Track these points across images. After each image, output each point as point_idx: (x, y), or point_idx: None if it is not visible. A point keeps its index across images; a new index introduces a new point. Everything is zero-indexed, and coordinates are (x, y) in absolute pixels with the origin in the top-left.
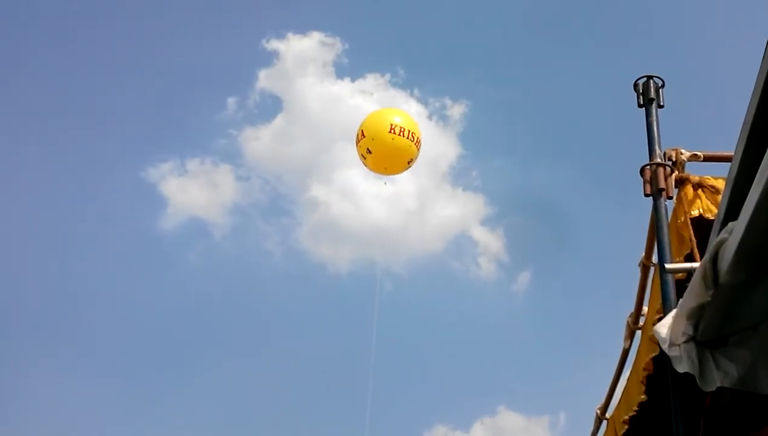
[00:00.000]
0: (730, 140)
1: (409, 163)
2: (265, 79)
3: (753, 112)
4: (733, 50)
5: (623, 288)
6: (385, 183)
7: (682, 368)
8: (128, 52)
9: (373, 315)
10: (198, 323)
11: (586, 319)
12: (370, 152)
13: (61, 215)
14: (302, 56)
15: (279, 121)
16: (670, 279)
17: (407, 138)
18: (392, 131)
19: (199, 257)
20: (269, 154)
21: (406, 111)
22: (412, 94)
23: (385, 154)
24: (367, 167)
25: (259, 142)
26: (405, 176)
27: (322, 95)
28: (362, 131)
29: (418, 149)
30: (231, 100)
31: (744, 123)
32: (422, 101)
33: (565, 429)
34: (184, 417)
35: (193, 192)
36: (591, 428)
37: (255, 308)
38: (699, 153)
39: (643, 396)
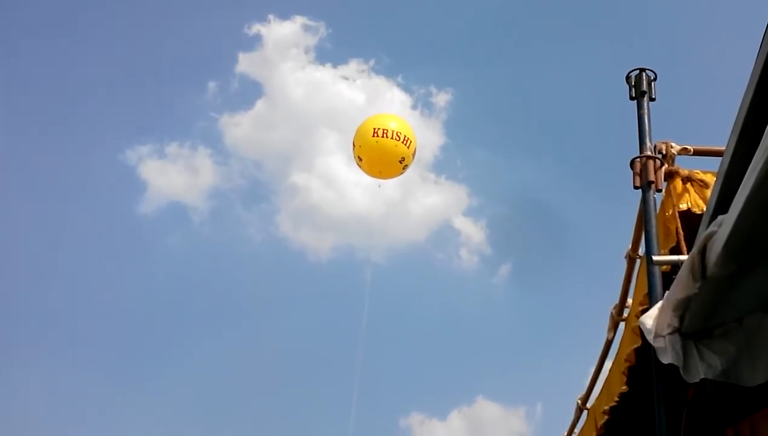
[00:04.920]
0: (710, 135)
1: (401, 162)
2: (246, 64)
3: (747, 106)
4: (721, 46)
5: (602, 282)
6: (380, 186)
7: (666, 359)
8: (108, 33)
9: (363, 302)
10: (176, 308)
11: (564, 312)
12: (361, 159)
13: (39, 196)
14: (284, 41)
15: (260, 106)
16: (657, 271)
17: (392, 138)
18: (375, 134)
19: (178, 242)
20: (249, 140)
21: (396, 114)
22: (396, 82)
23: (373, 157)
24: (366, 174)
25: (240, 127)
26: None
27: (304, 81)
28: (353, 141)
29: (408, 148)
30: (212, 85)
31: (737, 117)
32: (406, 89)
33: (541, 419)
34: (163, 403)
35: (172, 176)
36: (567, 418)
37: (233, 293)
38: (689, 147)
39: (624, 387)
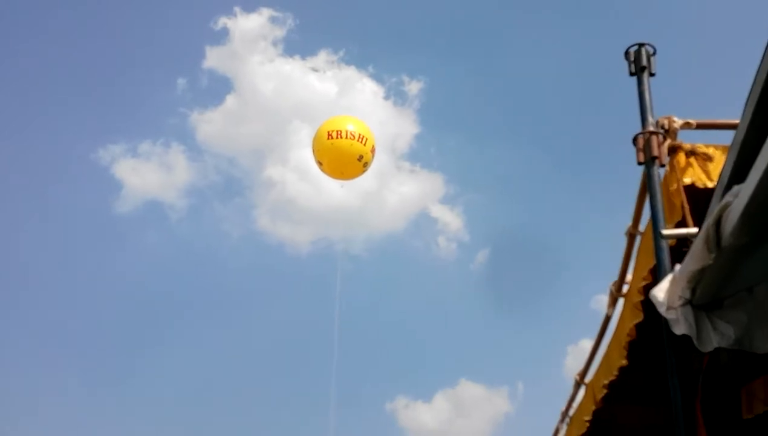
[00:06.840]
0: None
1: (360, 160)
2: (215, 59)
3: (764, 75)
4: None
5: (578, 265)
6: (342, 186)
7: (679, 330)
8: (75, 30)
9: (335, 291)
10: (157, 307)
11: (541, 295)
12: (321, 163)
13: (14, 200)
14: (252, 33)
15: (230, 101)
16: (665, 245)
17: (347, 138)
18: (330, 137)
19: (157, 240)
20: (222, 135)
21: (351, 116)
22: (367, 72)
23: (332, 159)
24: (329, 177)
25: (211, 123)
26: None
27: (273, 74)
28: (312, 147)
29: (364, 145)
30: (181, 81)
31: (753, 86)
32: (378, 79)
33: (524, 398)
34: (144, 398)
35: (147, 174)
36: (549, 396)
37: (214, 290)
38: (692, 121)
39: (624, 361)
